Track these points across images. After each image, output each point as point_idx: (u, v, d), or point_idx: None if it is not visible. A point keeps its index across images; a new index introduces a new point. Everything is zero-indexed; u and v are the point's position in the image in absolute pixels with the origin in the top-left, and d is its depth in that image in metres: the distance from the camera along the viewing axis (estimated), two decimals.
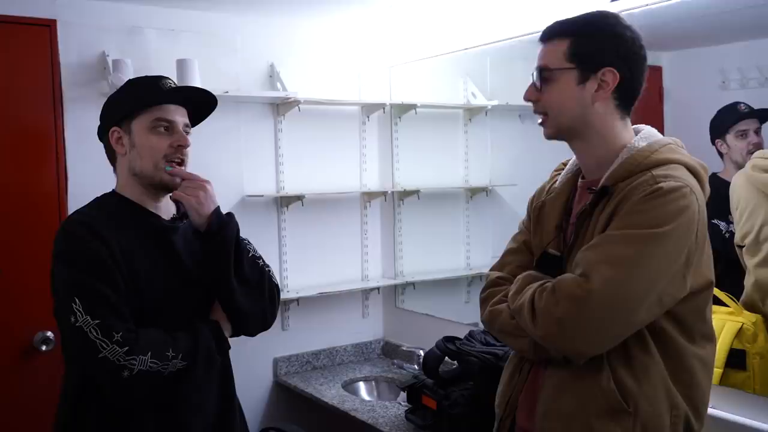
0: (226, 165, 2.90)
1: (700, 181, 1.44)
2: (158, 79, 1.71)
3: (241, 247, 1.73)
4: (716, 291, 2.01)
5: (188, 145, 1.70)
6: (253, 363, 2.96)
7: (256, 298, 1.75)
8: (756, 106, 2.30)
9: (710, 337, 1.49)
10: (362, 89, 3.21)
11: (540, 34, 1.51)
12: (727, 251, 2.16)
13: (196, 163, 1.77)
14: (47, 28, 2.55)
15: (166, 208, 1.76)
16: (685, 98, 2.84)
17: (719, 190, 2.24)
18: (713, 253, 2.28)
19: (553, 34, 1.48)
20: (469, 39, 2.84)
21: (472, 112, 3.20)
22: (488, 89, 3.12)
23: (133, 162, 1.68)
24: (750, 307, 2.02)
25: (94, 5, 2.62)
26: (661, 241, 1.31)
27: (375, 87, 3.23)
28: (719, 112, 2.38)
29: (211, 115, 1.84)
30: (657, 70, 2.95)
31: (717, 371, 1.95)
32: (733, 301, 2.01)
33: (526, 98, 1.51)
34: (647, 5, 2.11)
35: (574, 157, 1.60)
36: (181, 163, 1.70)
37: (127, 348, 1.52)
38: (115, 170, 1.75)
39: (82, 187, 2.58)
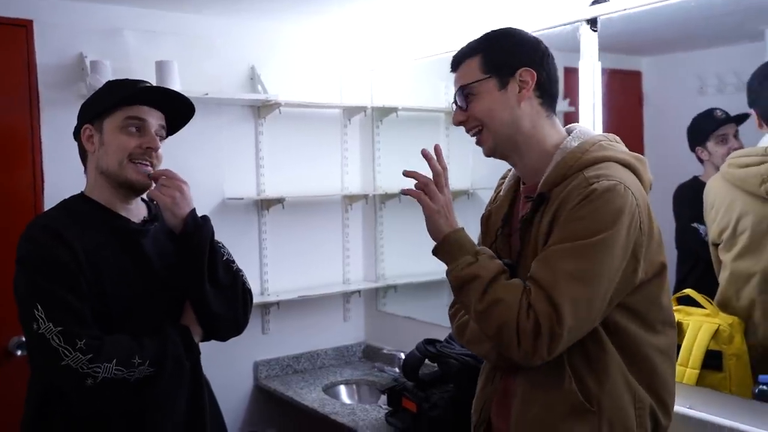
0: (207, 167, 2.88)
1: (636, 172, 1.44)
2: (136, 82, 1.69)
3: (215, 250, 1.71)
4: (693, 293, 2.05)
5: (157, 148, 1.67)
6: (233, 367, 2.94)
7: (230, 302, 1.73)
8: (734, 111, 2.33)
9: (671, 323, 1.49)
10: (343, 92, 3.21)
11: (450, 66, 1.56)
12: (706, 254, 2.18)
13: (175, 165, 1.75)
14: (23, 28, 2.52)
15: (136, 211, 1.73)
16: (664, 103, 2.87)
17: (700, 193, 2.27)
18: (693, 256, 2.32)
19: (461, 58, 1.53)
20: (450, 43, 2.85)
21: None
22: None
23: (100, 159, 1.65)
24: (724, 304, 2.04)
25: (71, 6, 2.60)
26: (609, 245, 1.32)
27: (356, 90, 3.23)
28: (695, 120, 2.41)
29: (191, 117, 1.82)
30: (636, 75, 2.99)
31: (693, 372, 1.97)
32: (710, 303, 2.03)
33: (456, 122, 1.53)
34: (626, 10, 2.13)
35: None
36: (151, 166, 1.66)
37: (90, 355, 1.49)
38: (85, 171, 1.73)
39: (58, 189, 2.53)
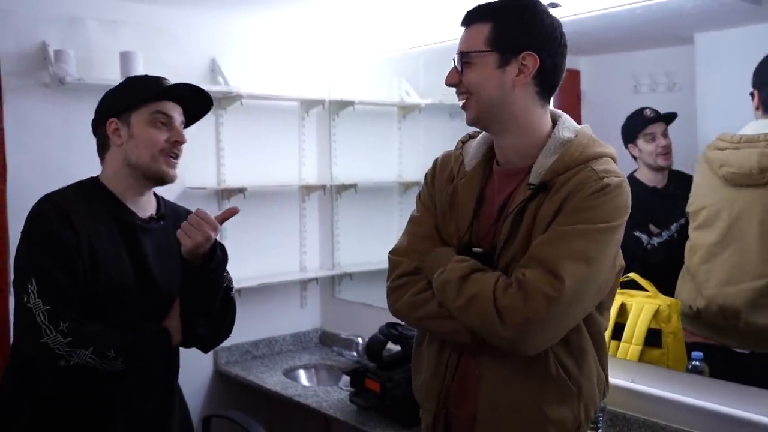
0: None
1: None
2: (158, 78, 1.76)
3: (220, 280, 1.75)
4: (637, 277, 2.23)
5: (185, 141, 1.74)
6: (192, 353, 2.93)
7: (215, 326, 1.81)
8: (665, 109, 2.48)
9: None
10: (302, 85, 3.28)
11: (462, 18, 1.50)
12: (646, 260, 2.34)
13: None
14: None
15: (146, 205, 1.78)
16: (600, 101, 3.01)
17: (640, 196, 2.41)
18: (633, 261, 2.44)
19: (474, 18, 1.47)
20: (405, 41, 2.97)
21: (406, 110, 3.32)
22: (421, 88, 3.26)
23: (130, 152, 1.70)
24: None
25: None
26: (611, 235, 1.39)
27: (314, 83, 3.31)
28: (628, 118, 2.54)
29: None
30: (575, 74, 3.14)
31: (636, 348, 2.16)
32: (652, 285, 2.22)
33: (448, 82, 1.50)
34: (576, 15, 2.29)
35: (479, 138, 1.60)
36: (176, 157, 1.74)
37: (69, 339, 1.54)
38: (102, 161, 1.77)
39: (21, 178, 2.56)
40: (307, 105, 3.29)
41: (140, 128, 1.70)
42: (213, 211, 3.00)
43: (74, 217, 1.62)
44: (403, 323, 2.45)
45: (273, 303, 3.26)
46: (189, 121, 1.83)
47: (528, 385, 1.44)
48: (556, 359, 1.44)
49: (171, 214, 1.84)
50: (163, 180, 1.73)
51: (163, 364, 1.78)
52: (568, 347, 1.45)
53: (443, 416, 1.57)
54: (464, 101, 1.50)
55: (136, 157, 1.70)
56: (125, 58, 2.64)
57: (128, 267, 1.69)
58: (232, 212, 1.73)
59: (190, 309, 1.73)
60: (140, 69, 2.64)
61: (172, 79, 2.78)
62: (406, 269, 1.56)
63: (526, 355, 1.39)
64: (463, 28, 1.50)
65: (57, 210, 1.62)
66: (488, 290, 1.38)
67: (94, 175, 1.78)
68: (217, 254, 1.70)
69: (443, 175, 1.62)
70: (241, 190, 3.01)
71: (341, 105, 3.28)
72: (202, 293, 1.72)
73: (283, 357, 3.21)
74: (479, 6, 1.48)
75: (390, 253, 1.63)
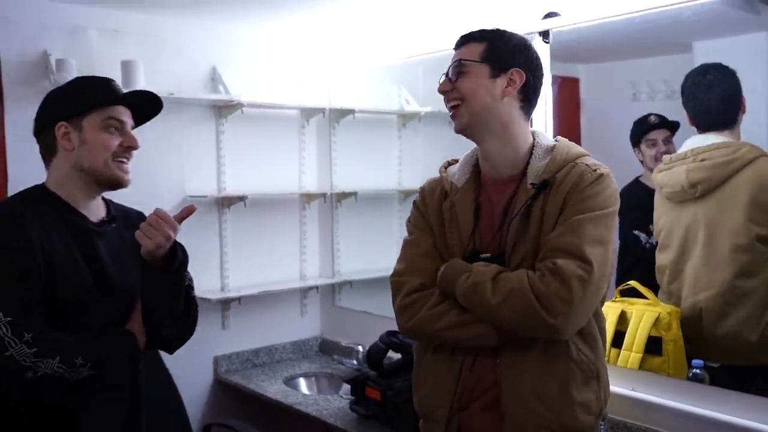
0: (168, 165, 2.92)
1: None
2: (108, 81, 1.74)
3: (182, 281, 1.73)
4: (637, 285, 2.24)
5: (138, 147, 1.72)
6: (193, 361, 2.98)
7: (179, 326, 1.79)
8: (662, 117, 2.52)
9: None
10: (302, 94, 3.29)
11: (456, 41, 1.67)
12: (648, 258, 2.38)
13: (138, 163, 1.80)
14: None
15: (96, 210, 1.76)
16: (599, 108, 3.04)
17: (642, 197, 2.43)
18: (632, 260, 2.50)
19: (469, 39, 1.64)
20: (404, 50, 2.97)
21: (405, 118, 3.34)
22: (420, 96, 3.28)
23: (83, 158, 1.67)
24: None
25: (35, 3, 2.60)
26: (612, 219, 1.54)
27: (314, 92, 3.32)
28: (634, 123, 2.60)
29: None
30: (574, 82, 3.16)
31: (637, 356, 2.16)
32: (652, 293, 2.22)
33: (441, 90, 1.63)
34: (576, 24, 2.30)
35: (461, 160, 1.72)
36: (127, 162, 1.72)
37: (35, 350, 1.52)
38: (48, 165, 1.74)
39: (22, 187, 2.55)
40: (308, 113, 3.30)
41: (93, 133, 1.68)
42: (214, 220, 3.06)
43: (24, 225, 1.59)
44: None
45: (273, 311, 3.26)
46: (138, 122, 1.81)
47: (553, 371, 1.53)
48: (574, 344, 1.54)
49: (121, 216, 1.82)
50: (118, 185, 1.72)
51: (129, 368, 1.73)
52: (582, 335, 1.56)
53: (456, 421, 1.61)
54: (454, 109, 1.62)
55: (89, 162, 1.68)
56: (126, 67, 2.65)
57: (84, 269, 1.66)
58: (189, 211, 1.70)
59: (153, 311, 1.71)
60: (141, 78, 2.65)
61: (174, 88, 2.83)
62: (413, 286, 1.62)
63: (562, 339, 1.51)
64: (457, 49, 1.66)
65: (4, 219, 1.60)
66: (523, 283, 1.46)
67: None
68: (178, 255, 1.69)
69: (433, 196, 1.71)
70: (241, 198, 3.02)
71: (341, 113, 3.29)
72: (165, 295, 1.70)
73: (284, 365, 3.20)
74: (472, 31, 1.65)
75: (391, 276, 1.68)
